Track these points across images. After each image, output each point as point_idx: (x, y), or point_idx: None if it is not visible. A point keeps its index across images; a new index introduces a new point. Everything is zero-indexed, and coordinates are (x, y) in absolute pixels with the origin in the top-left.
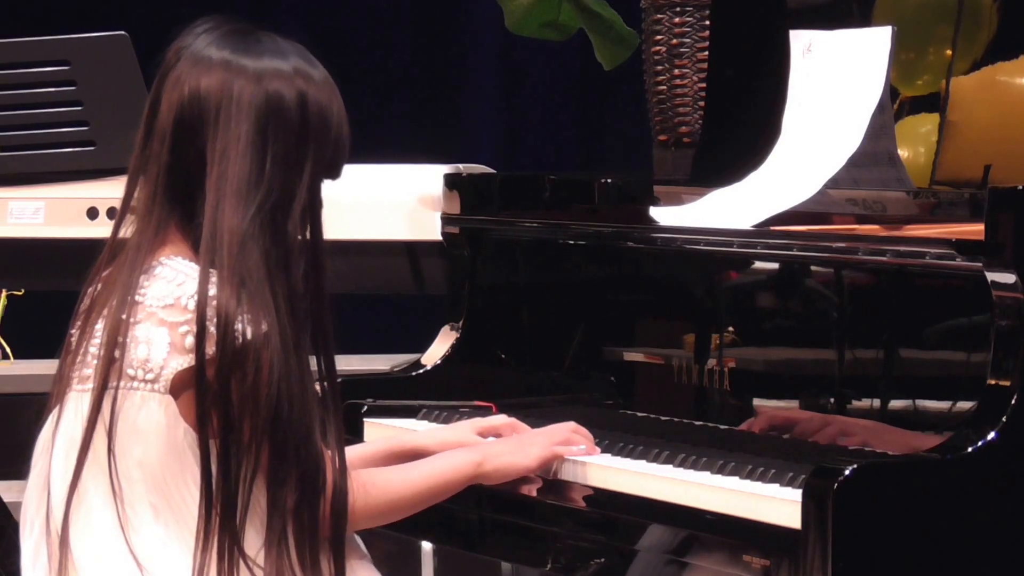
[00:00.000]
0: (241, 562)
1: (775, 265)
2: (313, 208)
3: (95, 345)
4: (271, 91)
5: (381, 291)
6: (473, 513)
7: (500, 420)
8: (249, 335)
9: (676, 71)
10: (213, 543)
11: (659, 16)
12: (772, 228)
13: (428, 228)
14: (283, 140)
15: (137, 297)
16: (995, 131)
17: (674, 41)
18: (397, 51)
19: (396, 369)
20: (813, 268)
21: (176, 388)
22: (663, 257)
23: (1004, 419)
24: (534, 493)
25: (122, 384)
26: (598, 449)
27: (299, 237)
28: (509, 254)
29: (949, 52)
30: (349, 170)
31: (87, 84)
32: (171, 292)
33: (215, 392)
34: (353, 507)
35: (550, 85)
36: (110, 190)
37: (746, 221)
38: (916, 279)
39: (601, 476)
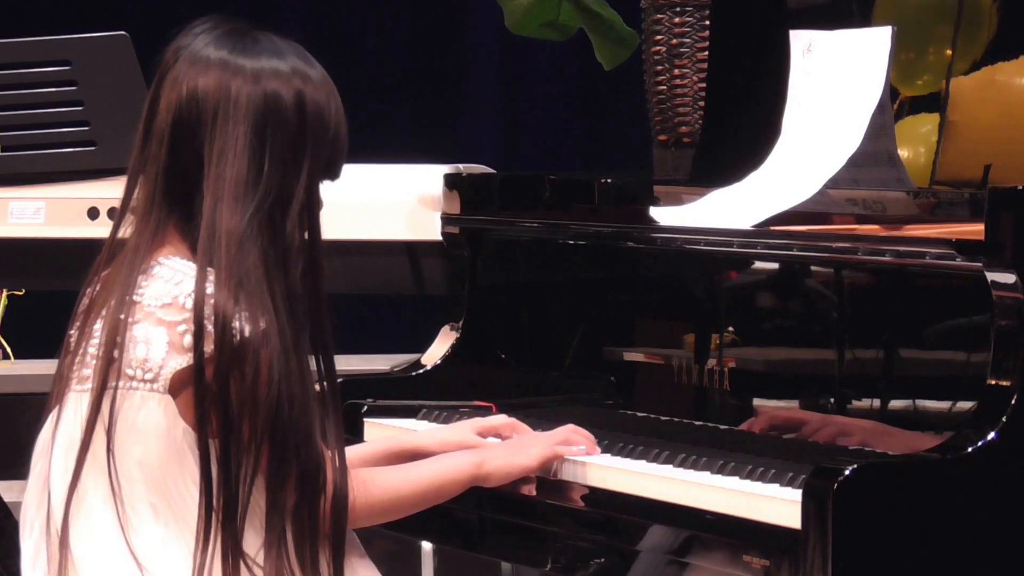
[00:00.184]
0: (241, 562)
1: (775, 265)
2: (311, 208)
3: (94, 345)
4: (269, 91)
5: (381, 291)
6: (473, 513)
7: (500, 420)
8: (247, 333)
9: (676, 71)
10: (213, 543)
11: (659, 16)
12: (772, 228)
13: (428, 228)
14: (281, 140)
15: (135, 297)
16: (995, 131)
17: (674, 41)
18: (397, 51)
19: (396, 369)
20: (813, 268)
21: (175, 387)
22: (663, 257)
23: (1004, 419)
24: (534, 493)
25: (121, 384)
26: (598, 449)
27: (297, 237)
28: (509, 254)
29: (949, 52)
30: (349, 170)
31: (88, 84)
32: (169, 291)
33: (214, 391)
34: (353, 505)
35: (550, 85)
36: (111, 190)
37: (746, 221)
38: (916, 279)
39: (601, 476)
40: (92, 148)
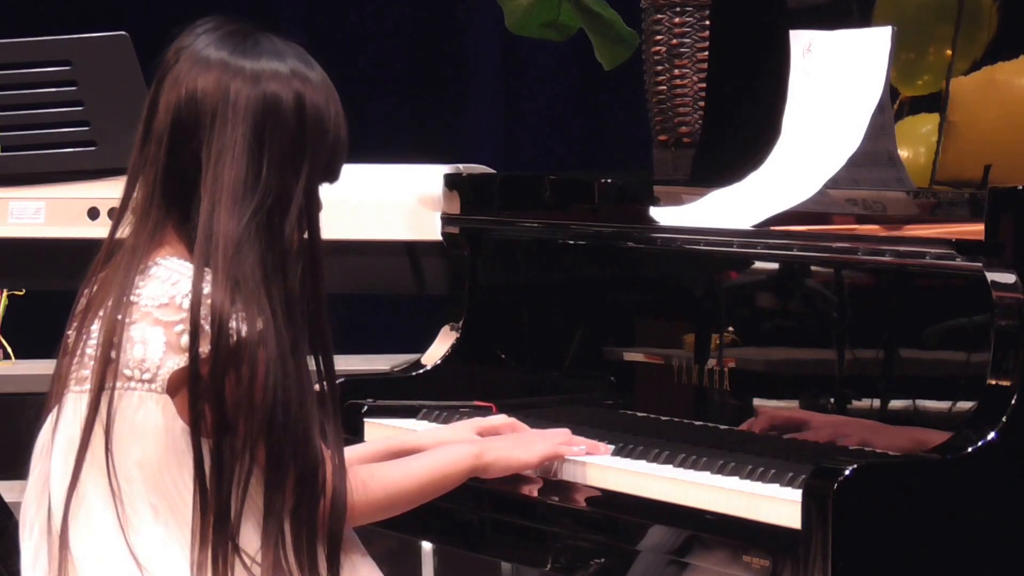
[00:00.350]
0: (237, 562)
1: (775, 265)
2: (310, 211)
3: (92, 346)
4: (268, 93)
5: (381, 291)
6: (473, 513)
7: (500, 420)
8: (244, 334)
9: (676, 71)
10: (210, 543)
11: (659, 16)
12: (772, 228)
13: (428, 228)
14: (279, 143)
15: (132, 297)
16: (995, 131)
17: (674, 41)
18: (397, 51)
19: (396, 369)
20: (813, 268)
21: (173, 387)
22: (663, 257)
23: (1004, 419)
24: (534, 493)
25: (119, 384)
26: (602, 448)
27: (296, 240)
28: (509, 254)
29: (949, 52)
30: (349, 170)
31: (88, 84)
32: (166, 291)
33: (210, 392)
34: (353, 504)
35: (550, 85)
36: (111, 190)
37: (746, 221)
38: (916, 279)
39: (601, 476)
40: (92, 148)
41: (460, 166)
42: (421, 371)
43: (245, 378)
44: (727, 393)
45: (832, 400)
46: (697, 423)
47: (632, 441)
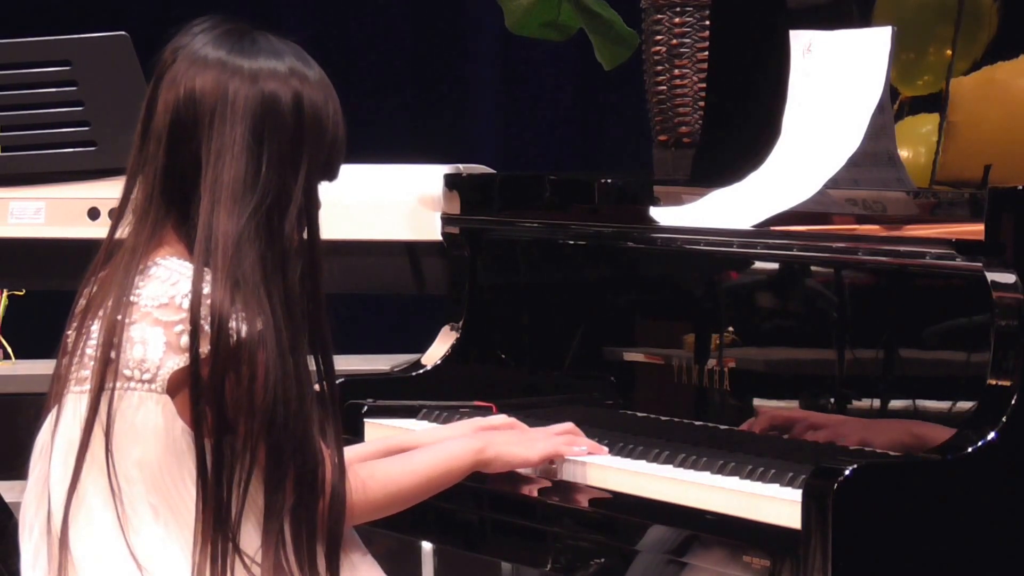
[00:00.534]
0: (237, 561)
1: (775, 265)
2: (309, 210)
3: (91, 346)
4: (266, 92)
5: (381, 291)
6: (473, 513)
7: (500, 420)
8: (244, 334)
9: (676, 71)
10: (210, 543)
11: (659, 16)
12: (772, 228)
13: (428, 228)
14: (278, 141)
15: (132, 297)
16: (995, 131)
17: (674, 41)
18: (397, 51)
19: (396, 369)
20: (813, 268)
21: (173, 388)
22: (663, 257)
23: (1004, 419)
24: (535, 493)
25: (119, 385)
26: (604, 449)
27: (296, 239)
28: (509, 254)
29: (949, 52)
30: (349, 170)
31: (88, 84)
32: (165, 291)
33: (210, 391)
34: (352, 504)
35: (550, 85)
36: (111, 190)
37: (746, 221)
38: (916, 279)
39: (601, 476)
40: (92, 148)
41: (460, 166)
42: (421, 371)
43: (245, 378)
44: (727, 393)
45: (832, 400)
46: (697, 423)
47: (632, 441)
